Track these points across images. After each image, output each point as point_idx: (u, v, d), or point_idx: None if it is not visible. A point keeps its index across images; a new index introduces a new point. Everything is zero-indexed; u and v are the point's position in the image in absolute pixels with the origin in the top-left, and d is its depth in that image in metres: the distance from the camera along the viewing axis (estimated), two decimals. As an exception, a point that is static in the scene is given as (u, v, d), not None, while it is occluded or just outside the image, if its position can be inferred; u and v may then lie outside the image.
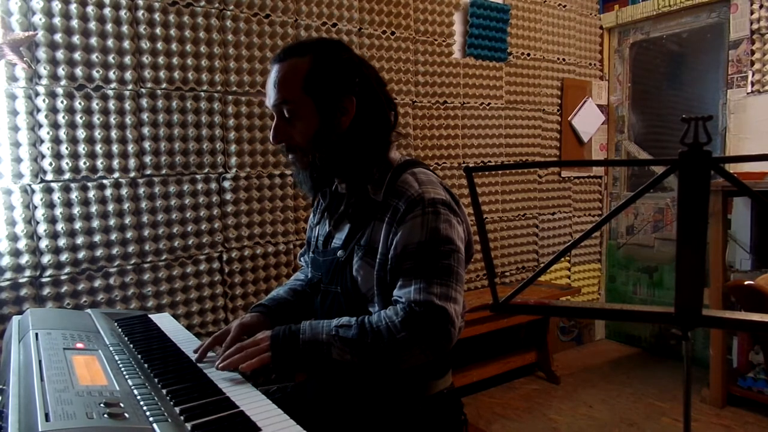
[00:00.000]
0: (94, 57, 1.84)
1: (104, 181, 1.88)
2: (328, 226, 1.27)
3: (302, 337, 1.06)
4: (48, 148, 1.77)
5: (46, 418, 0.68)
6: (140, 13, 1.91)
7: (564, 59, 3.36)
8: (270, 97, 1.13)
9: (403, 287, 1.07)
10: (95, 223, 1.87)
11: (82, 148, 1.83)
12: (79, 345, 1.02)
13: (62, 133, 1.79)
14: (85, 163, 1.83)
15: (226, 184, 2.14)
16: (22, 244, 1.75)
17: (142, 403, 0.80)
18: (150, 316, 1.41)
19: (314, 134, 1.12)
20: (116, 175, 1.90)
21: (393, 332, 1.02)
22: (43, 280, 1.79)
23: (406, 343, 1.02)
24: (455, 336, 1.05)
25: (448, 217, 1.10)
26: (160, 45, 1.96)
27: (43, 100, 1.75)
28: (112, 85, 1.88)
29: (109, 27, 1.86)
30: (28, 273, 1.76)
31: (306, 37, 2.31)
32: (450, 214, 1.11)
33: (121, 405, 0.76)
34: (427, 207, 1.08)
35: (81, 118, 1.82)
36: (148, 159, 1.97)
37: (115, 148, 1.90)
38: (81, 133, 1.83)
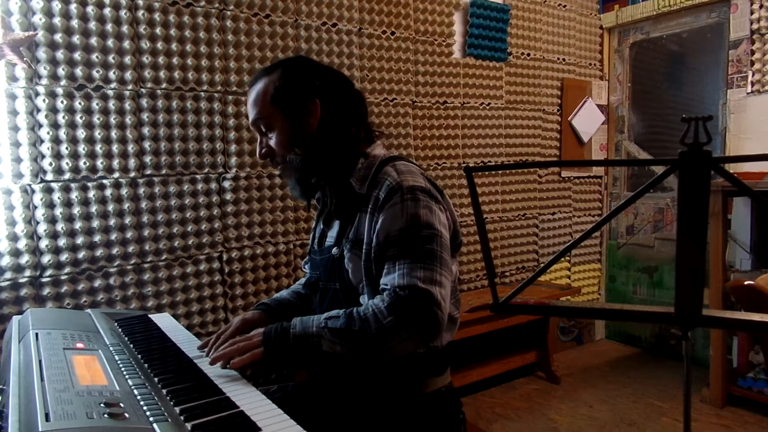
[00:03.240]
0: (94, 57, 1.84)
1: (104, 181, 1.88)
2: (321, 226, 1.32)
3: (293, 332, 1.07)
4: (48, 148, 1.77)
5: (46, 418, 0.68)
6: (140, 13, 1.91)
7: (564, 59, 3.36)
8: (250, 117, 1.22)
9: (387, 274, 1.09)
10: (95, 223, 1.87)
11: (82, 148, 1.83)
12: (79, 345, 1.02)
13: (62, 133, 1.79)
14: (85, 163, 1.83)
15: (226, 184, 2.14)
16: (22, 244, 1.75)
17: (142, 403, 0.80)
18: (150, 316, 1.41)
19: (288, 140, 1.19)
20: (116, 175, 1.90)
21: (380, 318, 1.03)
22: (43, 280, 1.78)
23: (393, 328, 1.03)
24: (443, 319, 1.06)
25: (428, 204, 1.12)
26: (160, 45, 1.96)
27: (43, 100, 1.75)
28: (112, 85, 1.88)
29: (109, 27, 1.86)
30: (28, 273, 1.76)
31: (305, 38, 2.31)
32: (430, 200, 1.13)
33: (121, 405, 0.76)
34: (405, 194, 1.11)
35: (81, 118, 1.82)
36: (148, 159, 1.97)
37: (115, 148, 1.90)
38: (81, 133, 1.83)
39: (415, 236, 1.08)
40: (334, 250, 1.22)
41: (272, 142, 1.20)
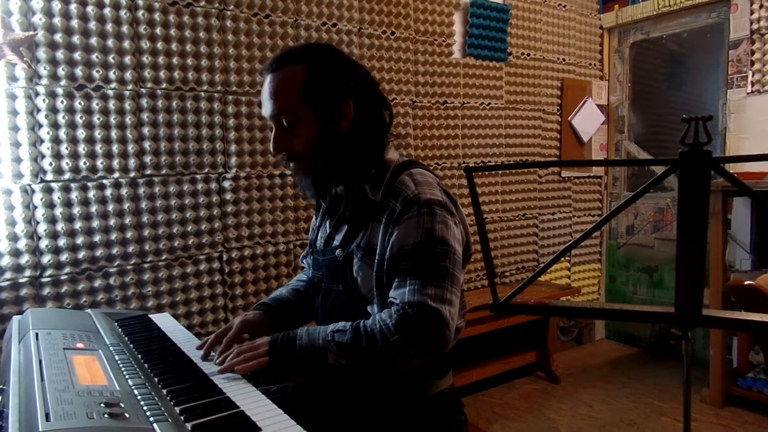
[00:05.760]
0: (94, 57, 1.84)
1: (104, 181, 1.88)
2: (328, 228, 1.28)
3: (299, 343, 1.06)
4: (48, 148, 1.77)
5: (47, 418, 0.68)
6: (140, 13, 1.91)
7: (564, 59, 3.36)
8: (267, 108, 1.13)
9: (398, 288, 1.07)
10: (95, 223, 1.87)
11: (82, 148, 1.83)
12: (79, 345, 1.02)
13: (62, 133, 1.79)
14: (85, 163, 1.83)
15: (226, 184, 2.14)
16: (22, 244, 1.75)
17: (142, 403, 0.79)
18: (150, 316, 1.41)
19: (315, 141, 1.12)
20: (116, 175, 1.90)
21: (387, 335, 1.02)
22: (43, 280, 1.78)
23: (400, 345, 1.02)
24: (451, 338, 1.05)
25: (444, 218, 1.10)
26: (160, 45, 1.96)
27: (43, 100, 1.75)
28: (112, 85, 1.88)
29: (109, 27, 1.85)
30: (28, 273, 1.76)
31: (305, 38, 2.31)
32: (446, 215, 1.11)
33: (122, 405, 0.76)
34: (422, 208, 1.09)
35: (81, 118, 1.82)
36: (148, 159, 1.97)
37: (115, 148, 1.90)
38: (81, 133, 1.83)
39: (429, 252, 1.07)
40: (338, 252, 1.20)
41: (295, 139, 1.13)
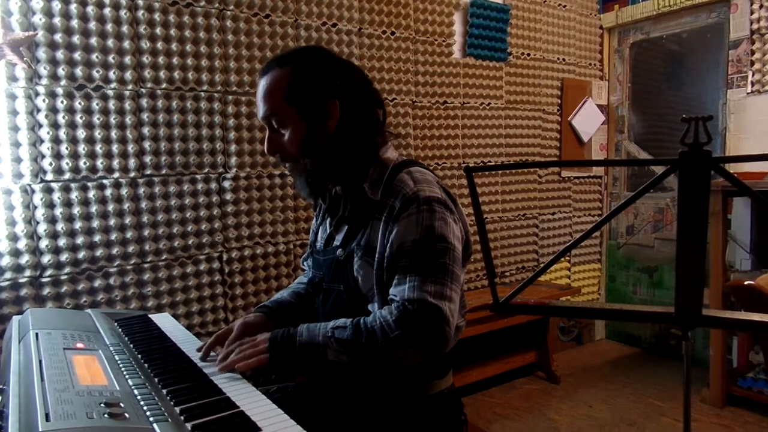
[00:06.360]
0: (94, 57, 1.84)
1: (104, 181, 1.88)
2: (328, 228, 1.28)
3: (299, 339, 1.07)
4: (48, 148, 1.77)
5: (47, 418, 0.68)
6: (140, 13, 1.91)
7: (564, 59, 3.36)
8: (259, 110, 1.17)
9: (398, 285, 1.07)
10: (95, 223, 1.87)
11: (82, 148, 1.83)
12: (79, 345, 1.02)
13: (62, 133, 1.79)
14: (85, 163, 1.83)
15: (226, 184, 2.15)
16: (22, 244, 1.75)
17: (142, 403, 0.79)
18: (150, 316, 1.41)
19: (302, 141, 1.14)
20: (116, 175, 1.90)
21: (387, 331, 1.03)
22: (43, 280, 1.79)
23: (400, 342, 1.02)
24: (451, 334, 1.05)
25: (444, 215, 1.10)
26: (160, 45, 1.96)
27: (43, 100, 1.75)
28: (112, 85, 1.88)
29: (109, 27, 1.86)
30: (28, 273, 1.76)
31: (305, 38, 2.31)
32: (446, 212, 1.11)
33: (122, 405, 0.76)
34: (422, 205, 1.09)
35: (81, 118, 1.82)
36: (148, 159, 1.97)
37: (115, 148, 1.90)
38: (81, 133, 1.83)
39: (429, 249, 1.07)
40: (339, 252, 1.20)
41: (284, 140, 1.15)
